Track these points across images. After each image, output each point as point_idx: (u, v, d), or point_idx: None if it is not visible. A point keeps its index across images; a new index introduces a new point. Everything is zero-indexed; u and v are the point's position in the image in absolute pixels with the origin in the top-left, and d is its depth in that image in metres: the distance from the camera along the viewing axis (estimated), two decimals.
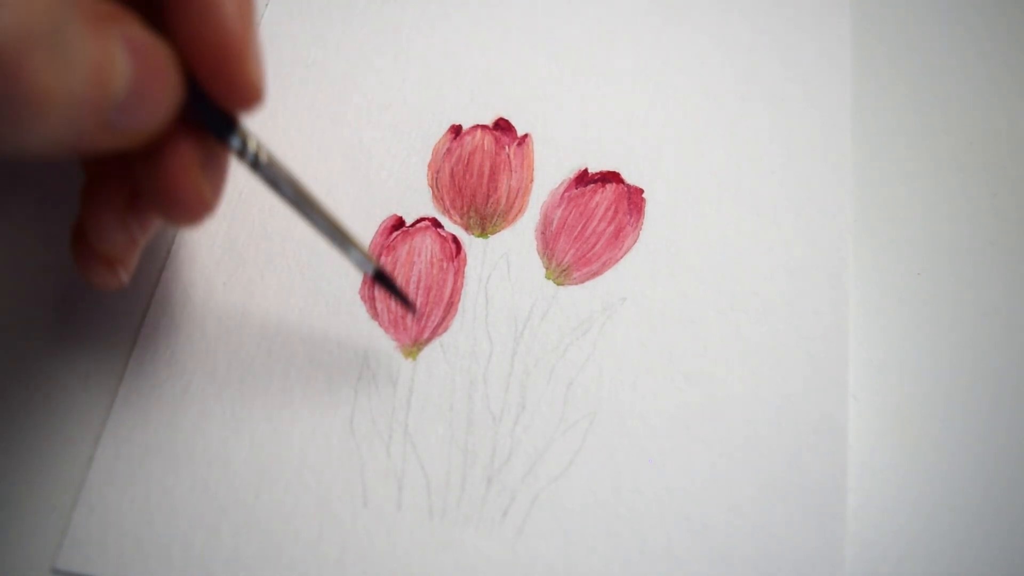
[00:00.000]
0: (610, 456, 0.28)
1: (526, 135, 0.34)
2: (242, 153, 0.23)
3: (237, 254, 0.32)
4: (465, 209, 0.32)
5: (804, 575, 0.27)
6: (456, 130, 0.34)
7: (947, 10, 0.37)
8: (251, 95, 0.22)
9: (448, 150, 0.33)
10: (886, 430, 0.29)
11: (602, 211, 0.32)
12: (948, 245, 0.32)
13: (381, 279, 0.27)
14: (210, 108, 0.22)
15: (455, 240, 0.32)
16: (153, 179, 0.23)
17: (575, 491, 0.28)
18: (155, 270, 0.32)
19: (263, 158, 0.24)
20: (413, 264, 0.31)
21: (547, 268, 0.31)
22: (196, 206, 0.23)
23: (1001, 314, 0.31)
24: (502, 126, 0.34)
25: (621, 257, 0.31)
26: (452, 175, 0.33)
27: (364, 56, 0.36)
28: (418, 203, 0.33)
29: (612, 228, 0.32)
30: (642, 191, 0.33)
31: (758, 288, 0.31)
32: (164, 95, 0.21)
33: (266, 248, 0.32)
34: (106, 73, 0.20)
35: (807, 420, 0.29)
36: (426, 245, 0.32)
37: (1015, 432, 0.29)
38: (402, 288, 0.28)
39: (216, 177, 0.24)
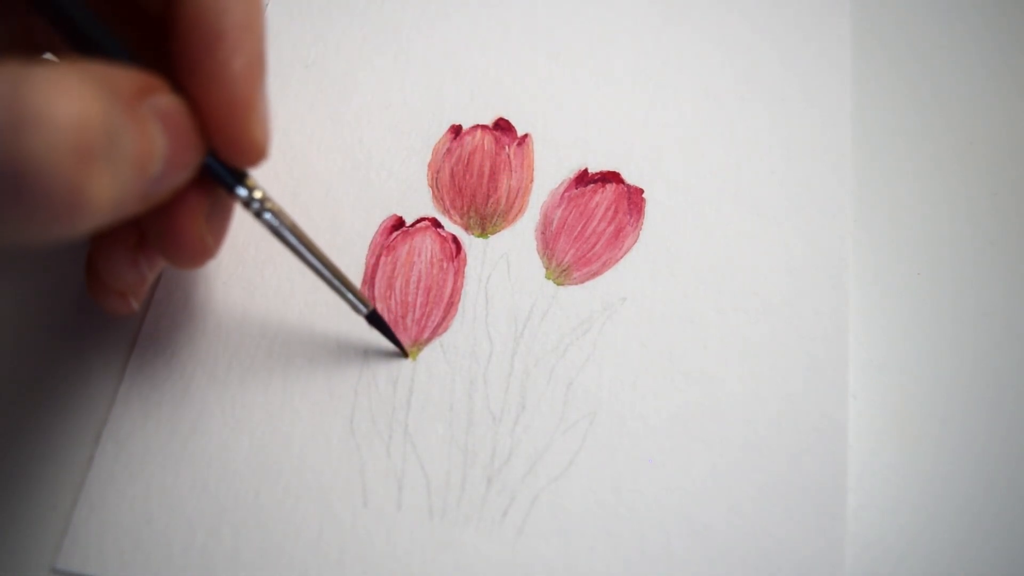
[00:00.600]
0: (610, 456, 0.28)
1: (526, 135, 0.34)
2: (248, 203, 0.24)
3: (237, 254, 0.32)
4: (465, 209, 0.32)
5: (804, 575, 0.27)
6: (456, 130, 0.34)
7: (947, 10, 0.37)
8: (255, 154, 0.23)
9: (448, 150, 0.33)
10: (886, 430, 0.29)
11: (602, 211, 0.32)
12: (948, 245, 0.32)
13: (375, 321, 0.29)
14: (219, 163, 0.23)
15: (455, 240, 0.32)
16: (159, 227, 0.24)
17: (575, 491, 0.28)
18: None
19: (269, 207, 0.25)
20: (413, 264, 0.31)
21: (547, 268, 0.31)
22: (199, 253, 0.24)
23: (1001, 314, 0.31)
24: (502, 126, 0.34)
25: (621, 257, 0.31)
26: (452, 175, 0.33)
27: (364, 56, 0.36)
28: (418, 203, 0.33)
29: (612, 228, 0.32)
30: (642, 191, 0.33)
31: (758, 288, 0.31)
32: (192, 159, 0.22)
33: (266, 248, 0.32)
34: (148, 158, 0.20)
35: (807, 420, 0.29)
36: (426, 245, 0.32)
37: (1015, 432, 0.29)
38: (393, 334, 0.29)
39: (219, 226, 0.25)
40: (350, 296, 0.28)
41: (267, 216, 0.25)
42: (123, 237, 0.25)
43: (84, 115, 0.18)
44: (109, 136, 0.18)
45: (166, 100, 0.21)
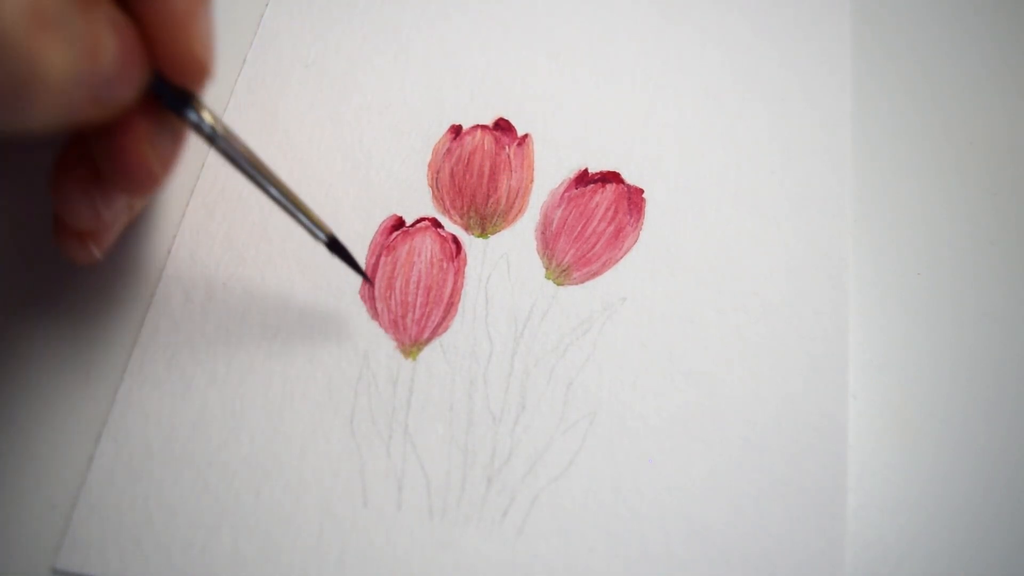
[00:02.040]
0: (610, 456, 0.28)
1: (526, 135, 0.34)
2: (199, 127, 0.25)
3: (237, 254, 0.32)
4: (465, 209, 0.32)
5: (804, 575, 0.27)
6: (456, 130, 0.34)
7: (947, 10, 0.37)
8: (198, 71, 0.24)
9: (448, 150, 0.33)
10: (886, 430, 0.29)
11: (602, 211, 0.32)
12: (948, 245, 0.32)
13: (335, 248, 0.28)
14: (166, 85, 0.24)
15: (455, 240, 0.32)
16: (108, 154, 0.24)
17: (575, 491, 0.28)
18: (155, 270, 0.32)
19: (219, 130, 0.25)
20: (413, 264, 0.31)
21: (547, 268, 0.31)
22: (146, 178, 0.25)
23: (1001, 314, 0.31)
24: (502, 126, 0.34)
25: (621, 257, 0.31)
26: (452, 175, 0.33)
27: (364, 56, 0.36)
28: (418, 203, 0.33)
29: (612, 228, 0.32)
30: (642, 191, 0.33)
31: (758, 288, 0.31)
32: (141, 70, 0.23)
33: (266, 248, 0.32)
34: (99, 50, 0.21)
35: (807, 420, 0.29)
36: (426, 245, 0.32)
37: (1015, 432, 0.29)
38: (355, 260, 0.29)
39: (167, 152, 0.25)
40: (307, 222, 0.27)
41: (219, 141, 0.25)
42: (78, 171, 0.26)
43: None
44: (62, 12, 0.20)
45: (113, 12, 0.22)
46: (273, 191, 0.26)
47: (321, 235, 0.28)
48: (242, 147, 0.26)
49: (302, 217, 0.27)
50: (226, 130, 0.25)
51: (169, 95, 0.24)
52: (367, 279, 0.30)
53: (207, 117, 0.25)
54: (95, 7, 0.21)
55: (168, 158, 0.26)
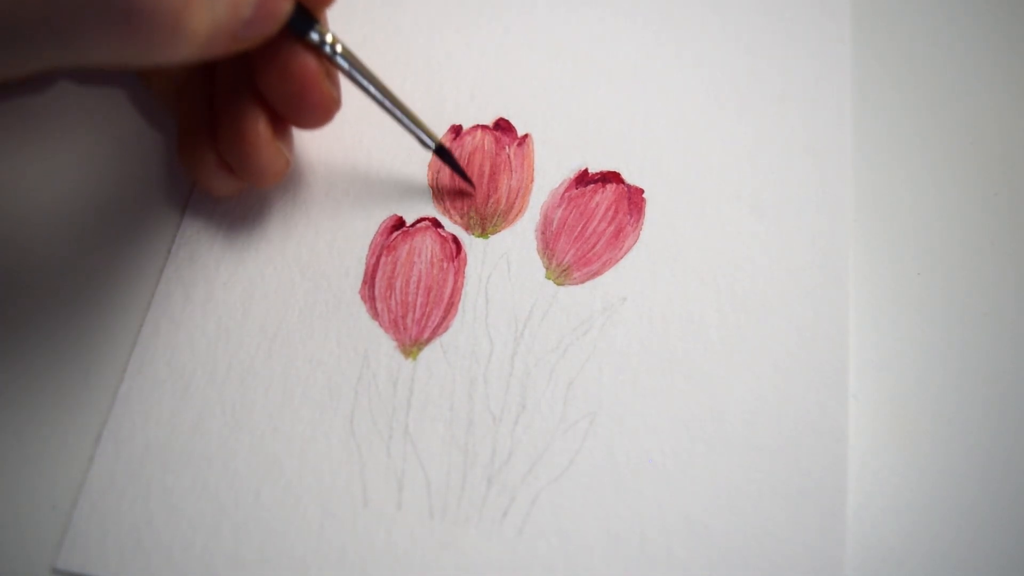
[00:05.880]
0: (610, 456, 0.28)
1: (526, 135, 0.34)
2: (321, 46, 0.27)
3: (237, 254, 0.32)
4: (465, 209, 0.32)
5: (804, 575, 0.27)
6: (456, 130, 0.34)
7: (947, 10, 0.37)
8: None
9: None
10: (886, 430, 0.29)
11: (602, 211, 0.32)
12: (948, 245, 0.32)
13: (443, 154, 0.31)
14: (299, 12, 0.26)
15: (455, 240, 0.32)
16: (288, 92, 0.27)
17: (575, 491, 0.28)
18: (155, 270, 0.32)
19: (341, 50, 0.28)
20: (413, 264, 0.31)
21: (547, 268, 0.31)
22: (329, 104, 0.28)
23: (1001, 314, 0.31)
24: (502, 126, 0.34)
25: (621, 257, 0.31)
26: (452, 175, 0.33)
27: (364, 56, 0.35)
28: (418, 203, 0.33)
29: (612, 228, 0.32)
30: (642, 191, 0.33)
31: (758, 288, 0.31)
32: (280, 9, 0.25)
33: (266, 248, 0.32)
34: (240, 3, 0.23)
35: (807, 420, 0.29)
36: (426, 245, 0.32)
37: (1015, 432, 0.29)
38: (461, 167, 0.32)
39: (336, 83, 0.29)
40: (418, 131, 0.30)
41: (338, 59, 0.28)
42: (263, 130, 0.28)
43: None
44: None
45: None
46: (387, 103, 0.29)
47: (430, 143, 0.31)
48: (359, 64, 0.28)
49: (414, 127, 0.30)
50: (346, 49, 0.28)
51: (297, 22, 0.26)
52: (471, 185, 0.32)
53: (329, 39, 0.27)
54: None
55: (338, 87, 0.29)
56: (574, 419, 0.29)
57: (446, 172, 0.33)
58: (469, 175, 0.33)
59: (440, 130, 0.34)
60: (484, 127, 0.34)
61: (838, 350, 0.30)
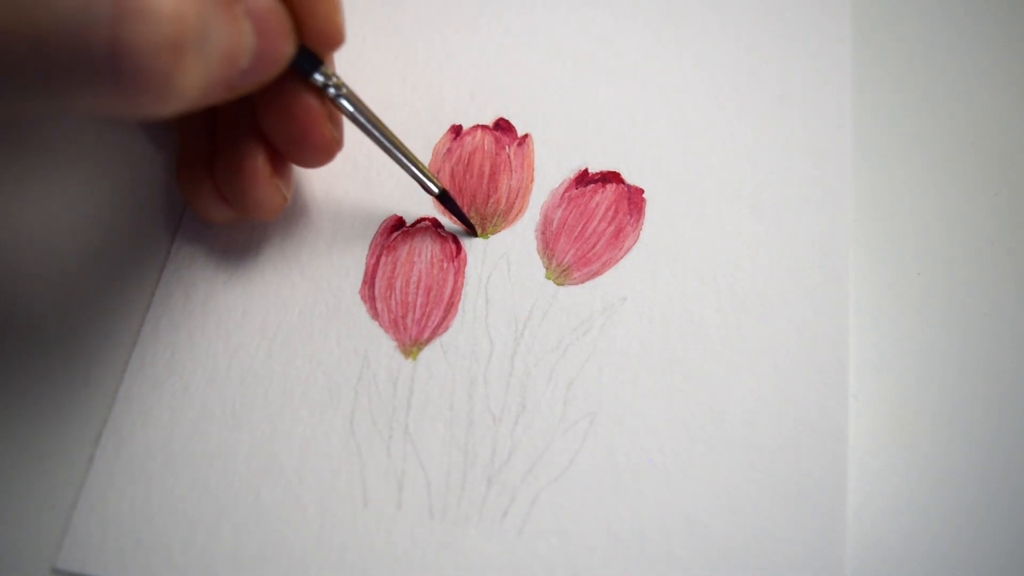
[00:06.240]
0: (610, 456, 0.28)
1: (526, 135, 0.34)
2: (325, 88, 0.27)
3: (237, 254, 0.32)
4: (465, 209, 0.32)
5: (804, 575, 0.27)
6: (456, 130, 0.34)
7: (947, 10, 0.37)
8: (339, 37, 0.26)
9: (448, 150, 0.33)
10: (886, 430, 0.29)
11: (602, 211, 0.32)
12: (948, 245, 0.32)
13: (445, 200, 0.31)
14: (304, 53, 0.26)
15: (455, 240, 0.32)
16: (290, 136, 0.27)
17: (575, 491, 0.28)
18: (155, 270, 0.32)
19: (345, 92, 0.27)
20: (413, 264, 0.31)
21: (547, 268, 0.31)
22: (332, 146, 0.28)
23: (1001, 314, 0.31)
24: (502, 126, 0.34)
25: (621, 257, 0.31)
26: (452, 175, 0.33)
27: (364, 56, 0.36)
28: (418, 203, 0.33)
29: (612, 228, 0.32)
30: (642, 191, 0.33)
31: (758, 288, 0.31)
32: (282, 54, 0.25)
33: (266, 248, 0.32)
34: (237, 52, 0.23)
35: (807, 420, 0.29)
36: (426, 245, 0.32)
37: (1015, 432, 0.29)
38: (463, 213, 0.32)
39: (339, 124, 0.28)
40: (421, 176, 0.30)
41: (342, 101, 0.27)
42: (261, 167, 0.28)
43: (180, 10, 0.20)
44: (201, 31, 0.21)
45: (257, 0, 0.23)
46: (389, 146, 0.29)
47: (433, 188, 0.30)
48: (363, 107, 0.28)
49: (415, 171, 0.30)
50: (350, 92, 0.27)
51: (302, 63, 0.26)
52: (474, 231, 0.32)
53: (334, 80, 0.27)
54: (237, 2, 0.22)
55: (340, 128, 0.28)
56: (574, 419, 0.29)
57: (446, 172, 0.33)
58: (469, 175, 0.33)
59: (440, 130, 0.34)
60: (484, 127, 0.34)
61: (838, 350, 0.30)
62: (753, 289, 0.31)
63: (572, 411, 0.29)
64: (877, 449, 0.29)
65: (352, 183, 0.33)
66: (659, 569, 0.27)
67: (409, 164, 0.29)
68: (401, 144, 0.29)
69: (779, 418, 0.29)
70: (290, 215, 0.32)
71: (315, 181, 0.33)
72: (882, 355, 0.30)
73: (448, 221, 0.32)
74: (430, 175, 0.30)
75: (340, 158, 0.33)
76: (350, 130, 0.29)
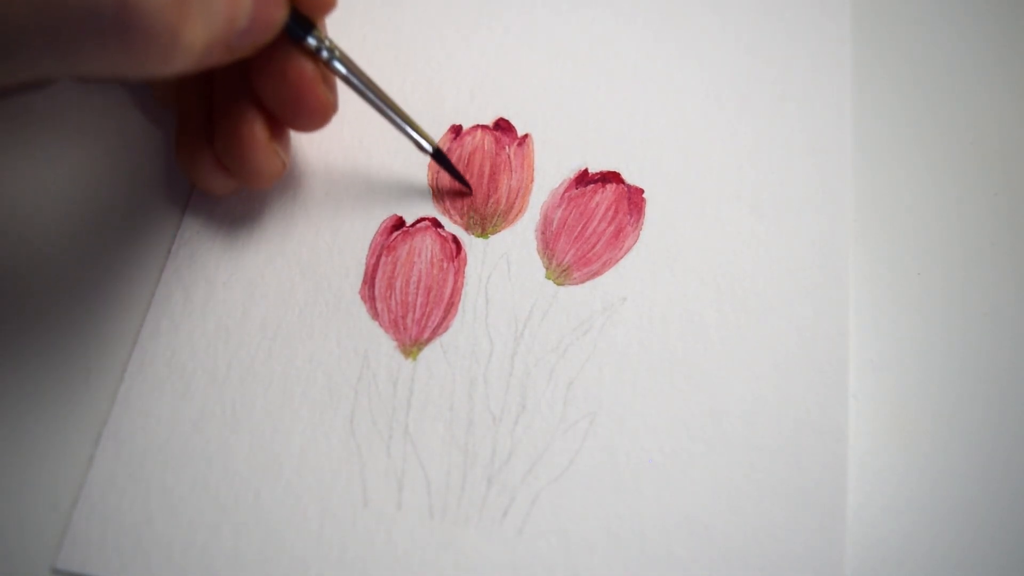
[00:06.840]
0: (610, 456, 0.28)
1: (526, 135, 0.34)
2: (319, 51, 0.27)
3: (237, 254, 0.32)
4: (465, 209, 0.32)
5: (804, 575, 0.27)
6: (456, 130, 0.34)
7: (947, 10, 0.37)
8: (329, 1, 0.28)
9: (448, 150, 0.33)
10: (886, 430, 0.29)
11: (602, 211, 0.32)
12: (948, 245, 0.32)
13: (439, 158, 0.31)
14: (296, 17, 0.27)
15: (455, 240, 0.32)
16: (285, 97, 0.28)
17: (575, 491, 0.28)
18: (155, 270, 0.32)
19: (338, 55, 0.28)
20: (413, 264, 0.31)
21: (547, 268, 0.31)
22: (328, 109, 0.28)
23: (1001, 314, 0.31)
24: (502, 126, 0.34)
25: (621, 257, 0.31)
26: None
27: (364, 56, 0.35)
28: (418, 203, 0.33)
29: (612, 228, 0.32)
30: (642, 191, 0.33)
31: (758, 288, 0.31)
32: (276, 17, 0.25)
33: (266, 248, 0.32)
34: (236, 12, 0.24)
35: (807, 420, 0.29)
36: (426, 245, 0.32)
37: (1015, 432, 0.29)
38: (458, 171, 0.32)
39: (333, 87, 0.29)
40: (415, 135, 0.30)
41: (335, 63, 0.28)
42: (260, 132, 0.29)
43: None
44: None
45: None
46: (387, 109, 0.30)
47: (427, 146, 0.31)
48: (356, 68, 0.29)
49: (410, 131, 0.30)
50: (343, 54, 0.28)
51: (295, 27, 0.27)
52: (468, 188, 0.32)
53: (327, 43, 0.28)
54: None
55: (335, 91, 0.29)
56: (574, 419, 0.29)
57: (446, 172, 0.33)
58: (469, 175, 0.33)
59: (440, 130, 0.34)
60: (484, 127, 0.34)
61: (838, 350, 0.30)
62: (753, 289, 0.31)
63: (572, 411, 0.29)
64: (877, 449, 0.29)
65: (352, 183, 0.33)
66: (659, 569, 0.27)
67: (403, 123, 0.30)
68: (394, 104, 0.30)
69: (779, 418, 0.29)
70: (290, 215, 0.32)
71: (316, 181, 0.33)
72: (882, 355, 0.30)
73: (448, 221, 0.32)
74: (424, 134, 0.31)
75: (340, 158, 0.33)
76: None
